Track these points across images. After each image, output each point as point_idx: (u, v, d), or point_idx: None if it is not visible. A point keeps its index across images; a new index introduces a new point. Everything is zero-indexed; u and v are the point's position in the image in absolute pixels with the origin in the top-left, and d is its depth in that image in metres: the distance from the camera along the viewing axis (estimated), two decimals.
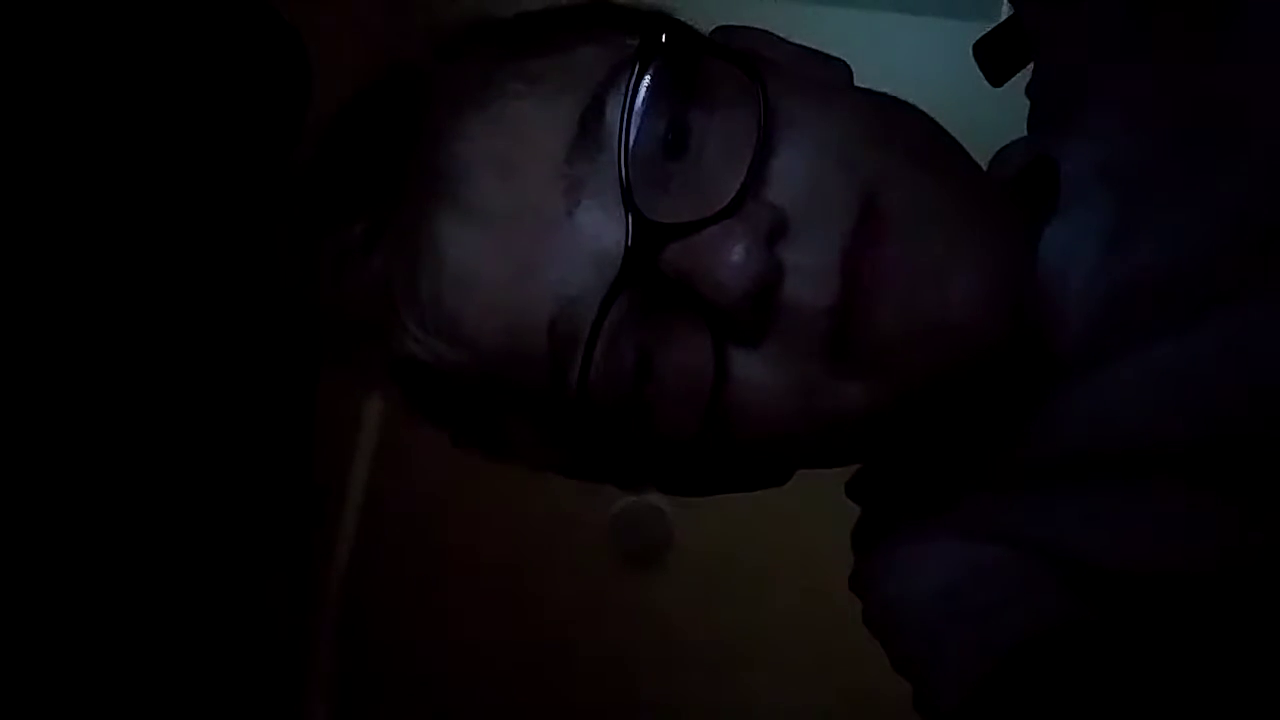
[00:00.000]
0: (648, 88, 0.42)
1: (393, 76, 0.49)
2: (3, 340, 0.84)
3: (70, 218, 0.89)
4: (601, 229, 0.41)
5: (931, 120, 0.46)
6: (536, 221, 0.42)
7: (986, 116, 0.56)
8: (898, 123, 0.45)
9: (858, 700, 1.20)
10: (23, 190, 0.85)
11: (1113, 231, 0.44)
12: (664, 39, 0.42)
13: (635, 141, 0.41)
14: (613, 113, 0.42)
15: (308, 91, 1.02)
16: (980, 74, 0.56)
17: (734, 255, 0.39)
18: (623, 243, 0.41)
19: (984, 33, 0.56)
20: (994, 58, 0.55)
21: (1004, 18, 0.55)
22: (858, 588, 0.52)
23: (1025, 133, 0.52)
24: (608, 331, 0.41)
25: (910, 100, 0.47)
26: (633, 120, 0.41)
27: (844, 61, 0.48)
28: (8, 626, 0.87)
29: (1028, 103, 0.53)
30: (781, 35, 0.49)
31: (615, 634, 1.62)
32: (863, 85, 0.49)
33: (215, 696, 1.09)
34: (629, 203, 0.40)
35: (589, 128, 0.42)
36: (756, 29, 0.48)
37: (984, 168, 0.49)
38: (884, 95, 0.47)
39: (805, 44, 0.49)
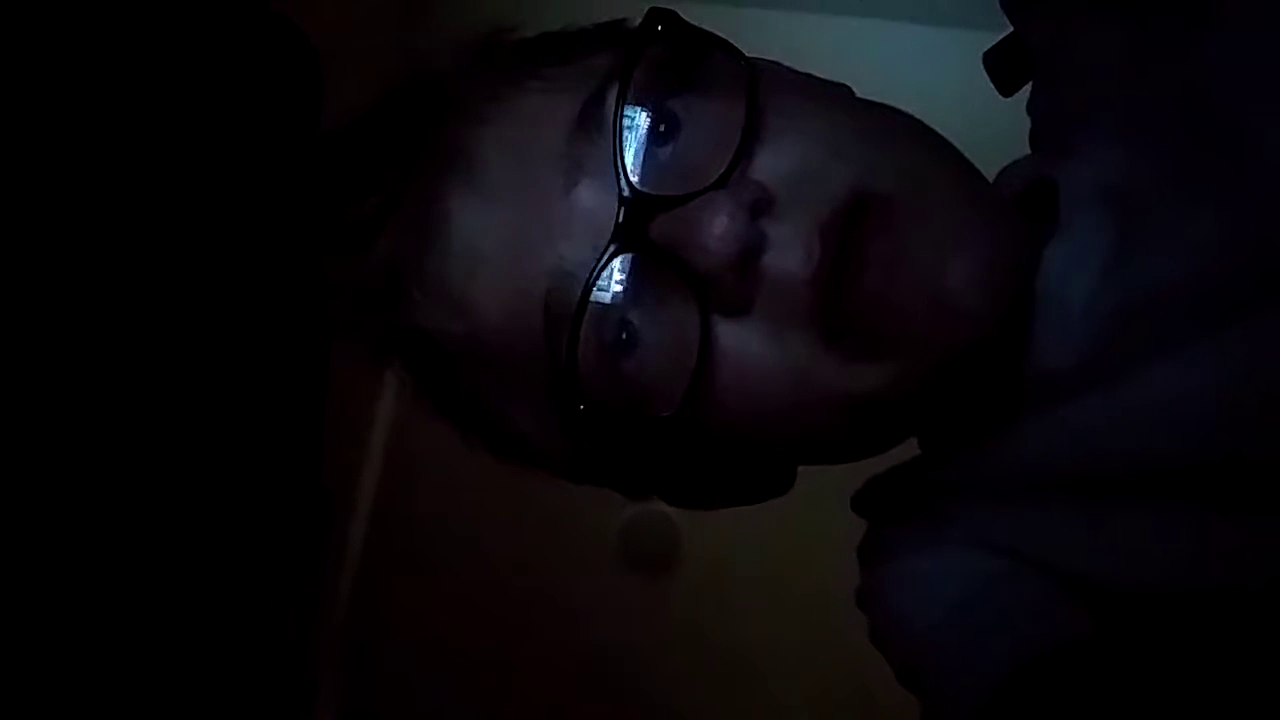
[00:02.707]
0: (644, 72, 0.44)
1: (415, 79, 0.51)
2: (6, 341, 0.84)
3: (83, 226, 0.89)
4: (596, 204, 0.43)
5: (929, 128, 0.47)
6: (537, 199, 0.44)
7: (997, 126, 0.56)
8: (893, 122, 0.46)
9: (864, 709, 1.20)
10: (34, 196, 0.86)
11: (1114, 252, 0.44)
12: (660, 28, 0.44)
13: (630, 123, 0.43)
14: (611, 99, 0.44)
15: (318, 107, 1.03)
16: (990, 83, 0.56)
17: (718, 223, 0.41)
18: (615, 216, 0.42)
19: (994, 42, 0.56)
20: (1004, 67, 0.55)
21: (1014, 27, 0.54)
22: (864, 603, 0.52)
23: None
24: (598, 304, 0.43)
25: (920, 110, 0.47)
26: (627, 100, 0.43)
27: (846, 85, 0.49)
28: (12, 626, 0.87)
29: None
30: (793, 43, 0.49)
31: (623, 641, 1.62)
32: (871, 94, 0.49)
33: (223, 701, 1.09)
34: (621, 174, 0.42)
35: (589, 114, 0.44)
36: (764, 59, 0.49)
37: (990, 180, 0.49)
38: (881, 104, 0.48)
39: (816, 52, 0.50)
